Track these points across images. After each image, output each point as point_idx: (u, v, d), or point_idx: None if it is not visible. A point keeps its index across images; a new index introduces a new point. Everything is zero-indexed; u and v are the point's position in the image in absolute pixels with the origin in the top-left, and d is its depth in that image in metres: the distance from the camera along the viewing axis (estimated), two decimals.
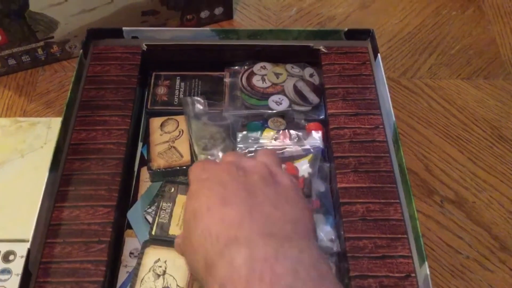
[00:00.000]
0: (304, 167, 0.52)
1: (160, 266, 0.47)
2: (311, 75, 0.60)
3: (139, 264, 0.47)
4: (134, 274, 0.46)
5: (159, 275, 0.46)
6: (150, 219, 0.51)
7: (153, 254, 0.47)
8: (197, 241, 0.35)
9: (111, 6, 0.66)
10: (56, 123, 0.62)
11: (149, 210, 0.52)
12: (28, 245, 0.43)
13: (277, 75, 0.60)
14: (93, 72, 0.58)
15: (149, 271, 0.46)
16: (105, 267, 0.44)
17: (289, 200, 0.37)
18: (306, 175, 0.52)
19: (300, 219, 0.36)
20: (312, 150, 0.54)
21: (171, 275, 0.46)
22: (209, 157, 0.54)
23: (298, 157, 0.53)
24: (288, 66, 0.61)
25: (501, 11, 0.78)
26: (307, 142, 0.54)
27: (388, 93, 0.52)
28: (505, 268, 0.53)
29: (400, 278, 0.44)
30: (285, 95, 0.58)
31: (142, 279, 0.46)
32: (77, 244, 0.45)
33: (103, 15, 0.67)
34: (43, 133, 0.61)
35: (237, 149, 0.54)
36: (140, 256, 0.47)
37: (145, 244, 0.48)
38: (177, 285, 0.46)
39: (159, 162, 0.54)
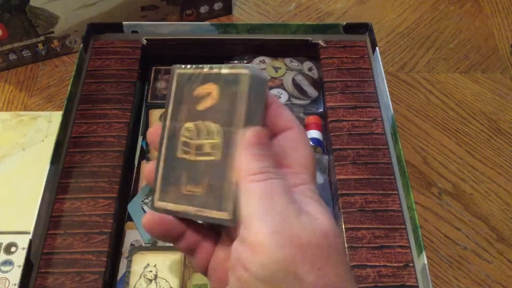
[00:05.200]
0: None
1: (151, 271, 0.47)
2: (310, 69, 0.61)
3: (128, 272, 0.47)
4: (125, 283, 0.46)
5: (150, 280, 0.46)
6: (147, 209, 0.51)
7: (141, 260, 0.47)
8: None
9: (111, 1, 0.67)
10: (56, 117, 0.62)
11: (146, 201, 0.52)
12: (29, 236, 0.43)
13: (276, 69, 0.60)
14: (93, 66, 0.58)
15: (140, 277, 0.46)
16: (106, 258, 0.44)
17: None
18: None
19: None
20: None
21: (163, 278, 0.46)
22: None
23: None
24: (287, 60, 0.61)
25: (499, 5, 0.79)
26: None
27: (386, 86, 0.53)
28: (502, 259, 0.54)
29: (398, 268, 0.44)
30: (284, 89, 0.59)
31: (134, 287, 0.46)
32: (78, 235, 0.46)
33: (103, 10, 0.67)
34: (44, 127, 0.62)
35: None
36: (128, 264, 0.47)
37: (132, 252, 0.48)
38: (171, 287, 0.46)
39: None
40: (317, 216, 0.26)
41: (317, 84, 0.59)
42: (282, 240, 0.23)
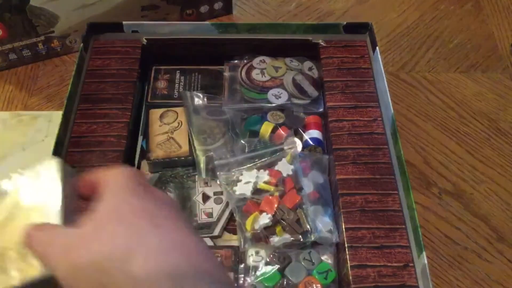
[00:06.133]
0: (286, 167, 0.53)
1: None
2: (310, 69, 0.61)
3: None
4: None
5: None
6: None
7: None
8: None
9: (111, 1, 0.67)
10: (57, 116, 0.62)
11: None
12: None
13: (276, 68, 0.60)
14: (93, 66, 0.58)
15: None
16: None
17: None
18: (290, 172, 0.52)
19: None
20: (287, 149, 0.55)
21: None
22: (209, 153, 0.54)
23: (276, 161, 0.54)
24: (287, 60, 0.61)
25: (499, 5, 0.79)
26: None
27: (387, 86, 0.53)
28: (502, 258, 0.54)
29: (399, 268, 0.44)
30: (284, 88, 0.59)
31: None
32: None
33: (103, 9, 0.67)
34: (44, 126, 0.62)
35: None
36: None
37: None
38: None
39: (158, 153, 0.55)
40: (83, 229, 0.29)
41: (317, 83, 0.59)
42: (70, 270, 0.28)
